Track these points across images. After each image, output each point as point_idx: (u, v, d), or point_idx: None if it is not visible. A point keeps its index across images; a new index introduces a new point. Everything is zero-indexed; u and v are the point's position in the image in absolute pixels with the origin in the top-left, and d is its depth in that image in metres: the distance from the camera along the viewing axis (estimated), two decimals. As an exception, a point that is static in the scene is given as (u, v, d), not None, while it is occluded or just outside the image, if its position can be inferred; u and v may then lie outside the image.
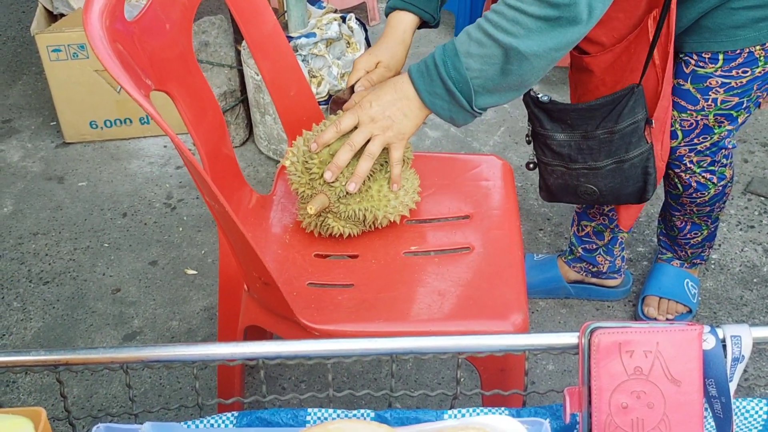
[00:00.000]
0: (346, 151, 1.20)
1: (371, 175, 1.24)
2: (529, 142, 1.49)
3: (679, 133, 1.47)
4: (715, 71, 1.37)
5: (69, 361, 0.74)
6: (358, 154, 1.21)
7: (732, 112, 1.42)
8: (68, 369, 0.77)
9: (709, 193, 1.57)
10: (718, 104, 1.41)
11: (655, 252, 1.96)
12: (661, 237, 1.83)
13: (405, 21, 1.33)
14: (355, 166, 1.21)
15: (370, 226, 1.30)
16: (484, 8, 2.78)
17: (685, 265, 1.83)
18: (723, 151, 1.51)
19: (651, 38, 1.31)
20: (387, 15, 1.36)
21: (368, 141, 1.20)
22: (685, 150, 1.49)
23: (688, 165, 1.52)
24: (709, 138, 1.47)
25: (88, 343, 1.82)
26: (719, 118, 1.43)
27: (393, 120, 1.19)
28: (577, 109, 1.38)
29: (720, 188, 1.57)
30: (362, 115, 1.19)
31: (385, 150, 1.23)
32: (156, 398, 1.67)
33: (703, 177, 1.54)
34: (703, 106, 1.41)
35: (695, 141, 1.47)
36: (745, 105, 1.42)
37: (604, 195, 1.47)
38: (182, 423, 0.77)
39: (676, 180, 1.57)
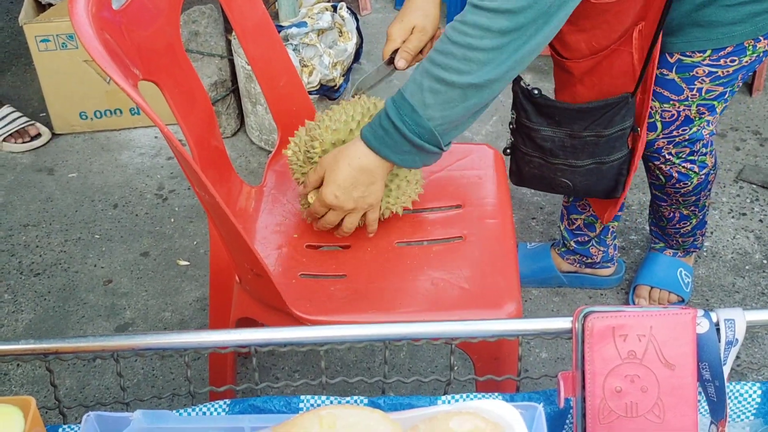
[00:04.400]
0: (346, 234, 1.25)
1: None
2: (512, 130, 1.47)
3: (659, 125, 1.44)
4: (703, 60, 1.33)
5: (59, 349, 0.74)
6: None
7: (714, 102, 1.40)
8: (59, 359, 0.76)
9: (692, 182, 1.55)
10: (703, 94, 1.37)
11: (647, 240, 1.97)
12: (652, 227, 1.82)
13: None
14: None
15: None
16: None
17: (679, 253, 1.83)
18: (701, 141, 1.49)
19: (638, 50, 1.28)
20: None
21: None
22: (663, 142, 1.47)
23: (667, 157, 1.50)
24: (688, 130, 1.45)
25: (80, 335, 1.81)
26: (701, 108, 1.40)
27: (362, 196, 1.18)
28: (567, 108, 1.36)
29: (703, 177, 1.55)
30: (332, 209, 1.20)
31: None
32: (149, 389, 1.66)
33: (683, 167, 1.52)
34: (687, 96, 1.38)
35: (674, 133, 1.45)
36: (726, 95, 1.39)
37: (577, 190, 1.48)
38: (174, 411, 0.77)
39: (657, 171, 1.55)
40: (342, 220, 1.22)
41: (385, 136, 1.12)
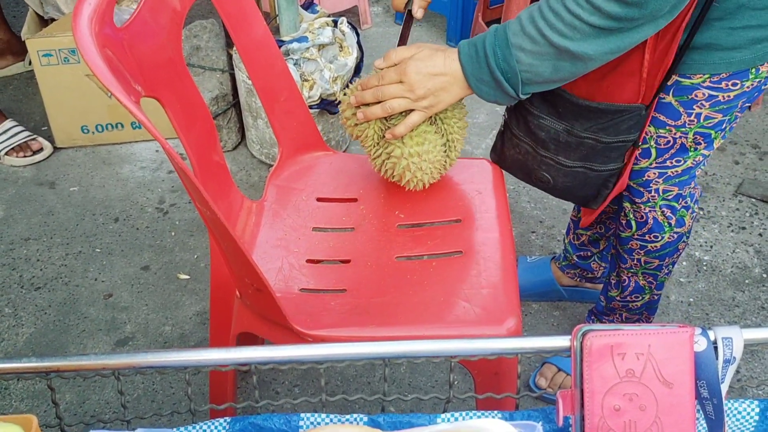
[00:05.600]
0: (379, 112, 1.26)
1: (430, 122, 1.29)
2: (508, 108, 1.39)
3: (653, 152, 1.34)
4: (703, 82, 1.24)
5: (60, 368, 0.74)
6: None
7: (711, 131, 1.30)
8: (59, 376, 0.76)
9: (663, 237, 1.44)
10: (701, 120, 1.28)
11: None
12: (594, 310, 1.72)
13: None
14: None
15: (387, 174, 1.34)
16: (476, 11, 2.78)
17: None
18: (690, 185, 1.40)
19: (650, 50, 1.21)
20: None
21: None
22: (654, 173, 1.37)
23: (653, 194, 1.39)
24: (682, 162, 1.35)
25: (81, 349, 1.81)
26: (698, 137, 1.30)
27: (431, 93, 1.21)
28: (575, 103, 1.28)
29: (674, 237, 1.45)
30: (405, 79, 1.21)
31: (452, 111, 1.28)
32: (149, 404, 1.66)
33: (662, 212, 1.41)
34: (685, 122, 1.28)
35: (668, 164, 1.35)
36: (724, 125, 1.30)
37: (555, 188, 1.40)
38: (174, 429, 0.77)
39: (632, 215, 1.44)
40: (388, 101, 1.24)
41: (474, 57, 1.16)
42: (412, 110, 1.24)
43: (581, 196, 1.41)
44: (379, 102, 1.25)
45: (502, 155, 1.45)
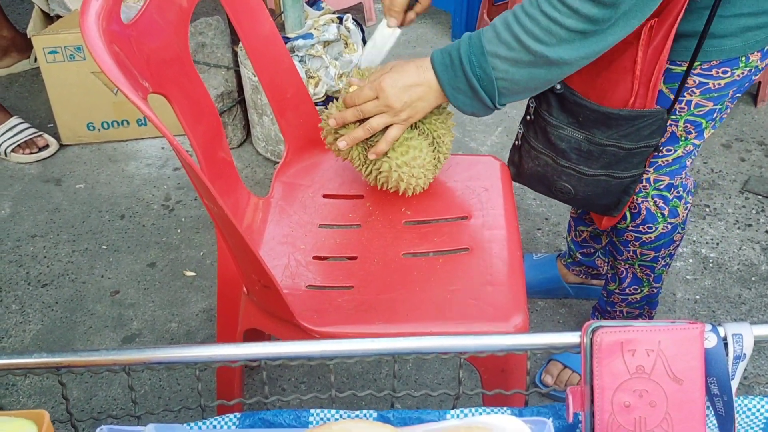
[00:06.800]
0: (361, 134, 1.25)
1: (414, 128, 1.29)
2: (527, 122, 1.39)
3: None
4: (694, 69, 1.23)
5: (71, 363, 0.74)
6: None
7: (702, 120, 1.29)
8: (69, 371, 0.76)
9: (657, 228, 1.43)
10: (692, 108, 1.27)
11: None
12: (598, 307, 1.72)
13: None
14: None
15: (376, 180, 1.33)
16: (481, 7, 2.78)
17: None
18: (681, 175, 1.39)
19: (644, 47, 1.20)
20: None
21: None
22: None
23: (644, 183, 1.39)
24: (672, 151, 1.34)
25: (87, 346, 1.82)
26: (688, 126, 1.30)
27: (408, 105, 1.20)
28: (595, 110, 1.27)
29: (669, 227, 1.44)
30: (381, 94, 1.21)
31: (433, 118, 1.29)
32: (156, 400, 1.67)
33: (655, 203, 1.41)
34: (675, 109, 1.28)
35: (658, 152, 1.35)
36: (715, 114, 1.29)
37: (577, 199, 1.40)
38: (185, 424, 0.77)
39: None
40: (368, 119, 1.24)
41: (449, 65, 1.16)
42: (390, 124, 1.24)
43: (602, 204, 1.41)
44: (359, 121, 1.25)
45: (520, 169, 1.46)
